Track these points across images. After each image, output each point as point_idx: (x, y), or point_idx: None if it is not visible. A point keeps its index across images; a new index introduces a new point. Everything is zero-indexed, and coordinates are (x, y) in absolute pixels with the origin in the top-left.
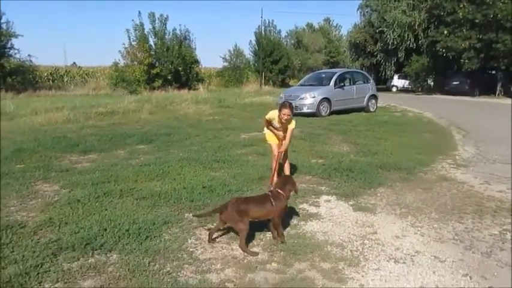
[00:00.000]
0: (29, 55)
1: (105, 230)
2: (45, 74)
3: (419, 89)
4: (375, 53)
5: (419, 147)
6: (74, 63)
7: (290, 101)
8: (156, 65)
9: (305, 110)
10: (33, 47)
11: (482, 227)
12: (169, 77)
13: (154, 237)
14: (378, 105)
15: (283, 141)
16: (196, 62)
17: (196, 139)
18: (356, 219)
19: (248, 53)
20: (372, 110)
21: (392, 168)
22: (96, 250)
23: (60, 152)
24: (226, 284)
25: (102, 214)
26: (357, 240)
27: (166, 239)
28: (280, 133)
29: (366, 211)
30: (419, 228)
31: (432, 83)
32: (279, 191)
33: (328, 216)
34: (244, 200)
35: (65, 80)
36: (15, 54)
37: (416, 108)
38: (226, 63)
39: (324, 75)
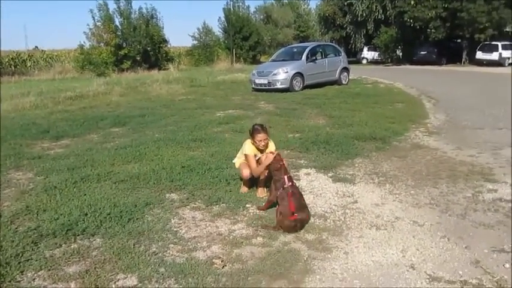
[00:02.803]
0: None
1: (86, 214)
2: (6, 60)
3: (389, 60)
4: (345, 26)
5: (392, 117)
6: (36, 47)
7: (261, 124)
8: (124, 45)
9: (278, 85)
10: None
11: (456, 190)
12: (138, 58)
13: (136, 219)
14: (349, 77)
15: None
16: (165, 41)
17: (171, 119)
18: (336, 190)
19: (217, 31)
20: (344, 82)
21: (368, 138)
22: (78, 235)
23: (31, 139)
24: (213, 260)
25: (81, 199)
26: (338, 211)
27: (149, 220)
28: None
29: (345, 182)
30: (397, 195)
31: (401, 54)
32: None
33: (309, 189)
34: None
35: (28, 64)
36: None
37: (386, 79)
38: (195, 42)
39: (295, 50)
